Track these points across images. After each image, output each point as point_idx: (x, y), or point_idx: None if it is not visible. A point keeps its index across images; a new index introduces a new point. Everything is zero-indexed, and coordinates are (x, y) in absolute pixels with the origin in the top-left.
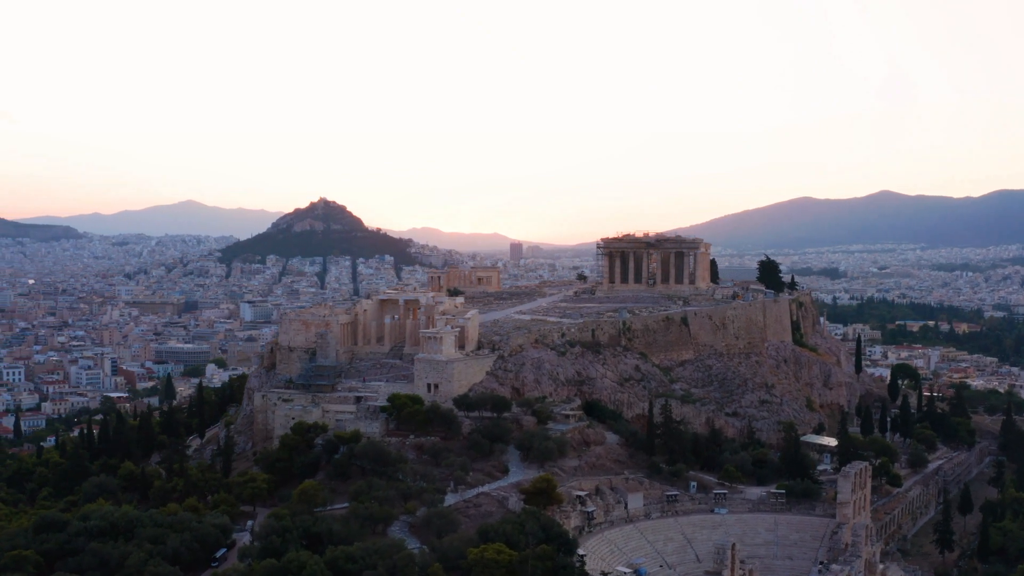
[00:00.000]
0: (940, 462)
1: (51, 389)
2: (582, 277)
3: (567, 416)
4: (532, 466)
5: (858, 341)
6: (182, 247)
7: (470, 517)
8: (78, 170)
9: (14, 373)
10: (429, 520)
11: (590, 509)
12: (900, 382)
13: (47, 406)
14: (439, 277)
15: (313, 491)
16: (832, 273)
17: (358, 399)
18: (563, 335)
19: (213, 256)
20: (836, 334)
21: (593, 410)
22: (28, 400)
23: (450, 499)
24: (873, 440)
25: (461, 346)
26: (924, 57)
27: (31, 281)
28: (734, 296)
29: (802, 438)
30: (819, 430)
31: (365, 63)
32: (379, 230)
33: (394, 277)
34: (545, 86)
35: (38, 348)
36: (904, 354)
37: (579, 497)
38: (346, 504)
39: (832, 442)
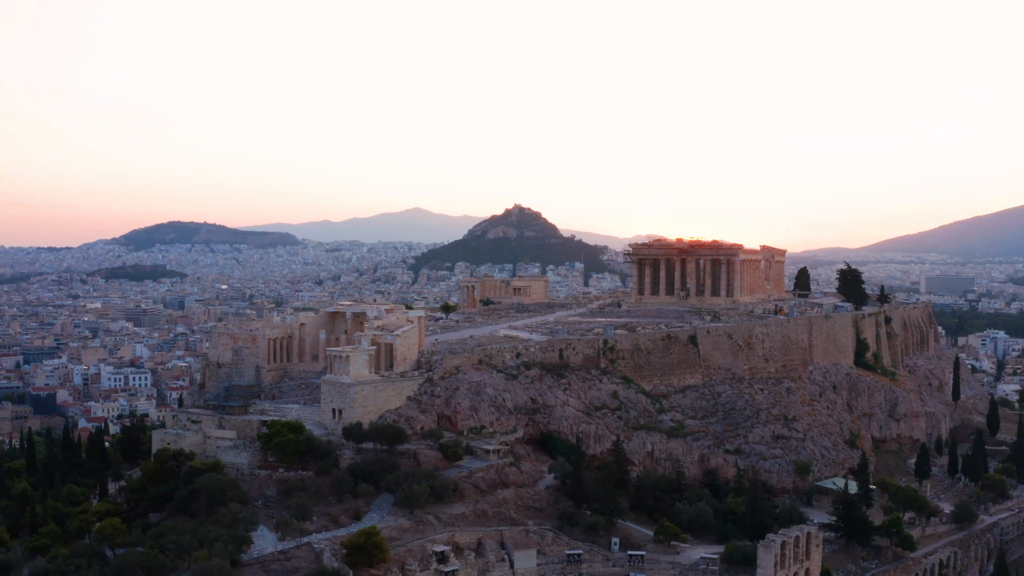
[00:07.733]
0: (1002, 516)
1: (172, 395)
2: None
3: (489, 451)
4: (401, 512)
5: (956, 362)
6: (392, 253)
7: (271, 572)
8: (312, 181)
9: (140, 378)
10: None
11: (451, 568)
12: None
13: (154, 412)
14: (472, 287)
15: (112, 531)
16: None
17: (263, 423)
18: (518, 355)
19: (406, 263)
20: (1013, 351)
21: (547, 444)
22: (144, 406)
23: (267, 548)
24: (898, 489)
25: (389, 366)
26: None
27: (224, 287)
28: (776, 311)
29: (819, 483)
30: (858, 472)
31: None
32: (573, 237)
33: (580, 284)
34: (769, 90)
35: (179, 353)
36: None
37: (437, 553)
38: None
39: (853, 489)
